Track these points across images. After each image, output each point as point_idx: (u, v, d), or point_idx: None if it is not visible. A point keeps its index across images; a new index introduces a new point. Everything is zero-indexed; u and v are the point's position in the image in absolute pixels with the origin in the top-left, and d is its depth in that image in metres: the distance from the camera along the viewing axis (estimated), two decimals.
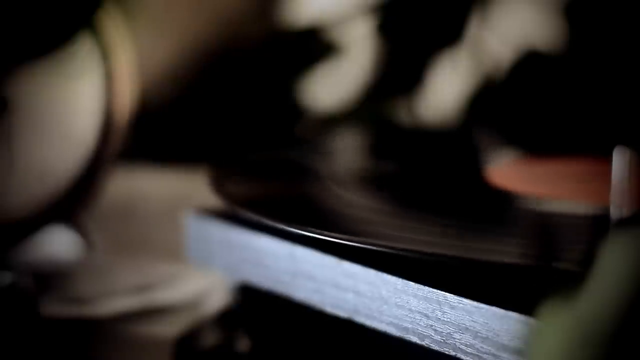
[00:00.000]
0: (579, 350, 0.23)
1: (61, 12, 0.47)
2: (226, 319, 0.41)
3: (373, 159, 0.49)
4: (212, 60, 0.71)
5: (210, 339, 0.40)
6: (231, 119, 0.70)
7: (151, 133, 0.68)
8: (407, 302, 0.31)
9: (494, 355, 0.29)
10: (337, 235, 0.32)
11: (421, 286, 0.31)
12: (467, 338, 0.30)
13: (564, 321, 0.24)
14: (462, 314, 0.30)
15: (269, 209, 0.36)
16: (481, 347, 0.29)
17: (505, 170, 0.42)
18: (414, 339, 0.31)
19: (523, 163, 0.44)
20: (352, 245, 0.32)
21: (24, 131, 0.46)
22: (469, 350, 0.30)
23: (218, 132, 0.70)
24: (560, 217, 0.35)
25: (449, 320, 0.30)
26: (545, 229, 0.34)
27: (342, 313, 0.34)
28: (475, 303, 0.29)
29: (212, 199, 0.38)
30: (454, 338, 0.30)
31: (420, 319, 0.31)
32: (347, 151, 0.52)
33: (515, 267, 0.29)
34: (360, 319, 0.33)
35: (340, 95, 0.67)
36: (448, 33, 0.64)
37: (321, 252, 0.34)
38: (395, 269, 0.32)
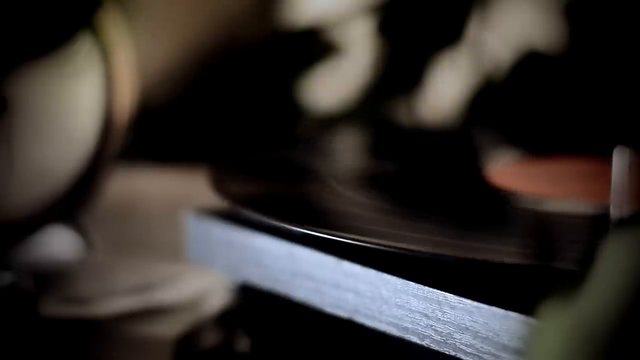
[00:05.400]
0: (579, 350, 0.23)
1: (61, 12, 0.47)
2: (226, 319, 0.41)
3: (373, 158, 0.49)
4: (212, 60, 0.71)
5: (210, 339, 0.40)
6: (231, 119, 0.70)
7: (151, 133, 0.68)
8: (407, 302, 0.31)
9: (494, 355, 0.29)
10: (337, 233, 0.32)
11: (421, 286, 0.31)
12: (467, 338, 0.30)
13: (564, 321, 0.24)
14: (462, 314, 0.30)
15: (269, 208, 0.36)
16: (481, 347, 0.29)
17: (506, 170, 0.42)
18: (414, 339, 0.31)
19: (523, 163, 0.44)
20: (352, 244, 0.32)
21: (24, 131, 0.46)
22: (469, 350, 0.30)
23: (218, 132, 0.70)
24: (560, 217, 0.36)
25: (449, 320, 0.30)
26: (545, 229, 0.34)
27: (342, 313, 0.34)
28: (475, 303, 0.29)
29: (212, 199, 0.38)
30: (454, 338, 0.30)
31: (420, 319, 0.31)
32: (347, 151, 0.52)
33: (515, 267, 0.30)
34: (360, 319, 0.33)
35: (340, 95, 0.67)
36: (448, 33, 0.64)
37: (321, 252, 0.34)
38: (395, 269, 0.32)
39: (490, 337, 0.29)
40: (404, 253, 0.31)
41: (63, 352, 0.39)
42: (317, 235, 0.33)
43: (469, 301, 0.29)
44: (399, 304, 0.32)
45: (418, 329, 0.31)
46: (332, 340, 0.36)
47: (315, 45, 0.66)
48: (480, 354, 0.29)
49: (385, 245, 0.31)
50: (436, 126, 0.64)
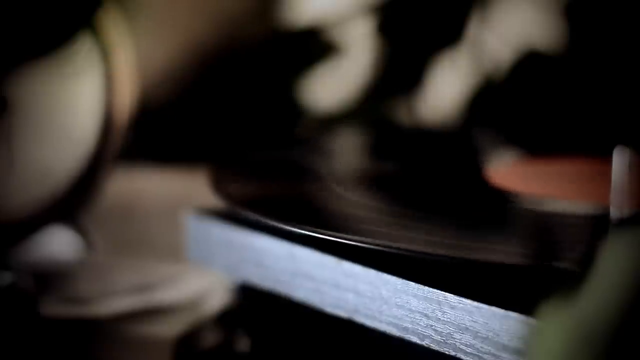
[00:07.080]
0: (579, 350, 0.23)
1: (61, 12, 0.47)
2: (226, 319, 0.41)
3: (373, 159, 0.49)
4: (212, 60, 0.71)
5: (210, 339, 0.40)
6: (231, 118, 0.70)
7: (151, 133, 0.68)
8: (407, 302, 0.31)
9: (494, 355, 0.29)
10: (336, 234, 0.32)
11: (421, 286, 0.31)
12: (467, 338, 0.30)
13: (564, 321, 0.24)
14: (462, 314, 0.30)
15: (269, 209, 0.36)
16: (481, 347, 0.29)
17: (506, 171, 0.42)
18: (414, 339, 0.31)
19: (523, 163, 0.44)
20: (352, 245, 0.32)
21: (24, 131, 0.46)
22: (469, 350, 0.30)
23: (218, 132, 0.70)
24: (560, 217, 0.35)
25: (449, 320, 0.30)
26: (545, 229, 0.34)
27: (342, 313, 0.34)
28: (475, 303, 0.29)
29: (212, 199, 0.38)
30: (454, 338, 0.30)
31: (420, 319, 0.31)
32: (347, 151, 0.52)
33: (516, 267, 0.29)
34: (360, 319, 0.33)
35: (340, 95, 0.67)
36: (448, 33, 0.64)
37: (321, 252, 0.34)
38: (395, 269, 0.32)
39: (490, 337, 0.29)
40: (403, 254, 0.31)
41: (63, 352, 0.39)
42: (316, 237, 0.33)
43: (469, 301, 0.29)
44: (399, 304, 0.32)
45: (418, 329, 0.31)
46: (332, 340, 0.36)
47: (315, 45, 0.66)
48: (480, 354, 0.29)
49: (384, 246, 0.31)
50: (436, 126, 0.64)
